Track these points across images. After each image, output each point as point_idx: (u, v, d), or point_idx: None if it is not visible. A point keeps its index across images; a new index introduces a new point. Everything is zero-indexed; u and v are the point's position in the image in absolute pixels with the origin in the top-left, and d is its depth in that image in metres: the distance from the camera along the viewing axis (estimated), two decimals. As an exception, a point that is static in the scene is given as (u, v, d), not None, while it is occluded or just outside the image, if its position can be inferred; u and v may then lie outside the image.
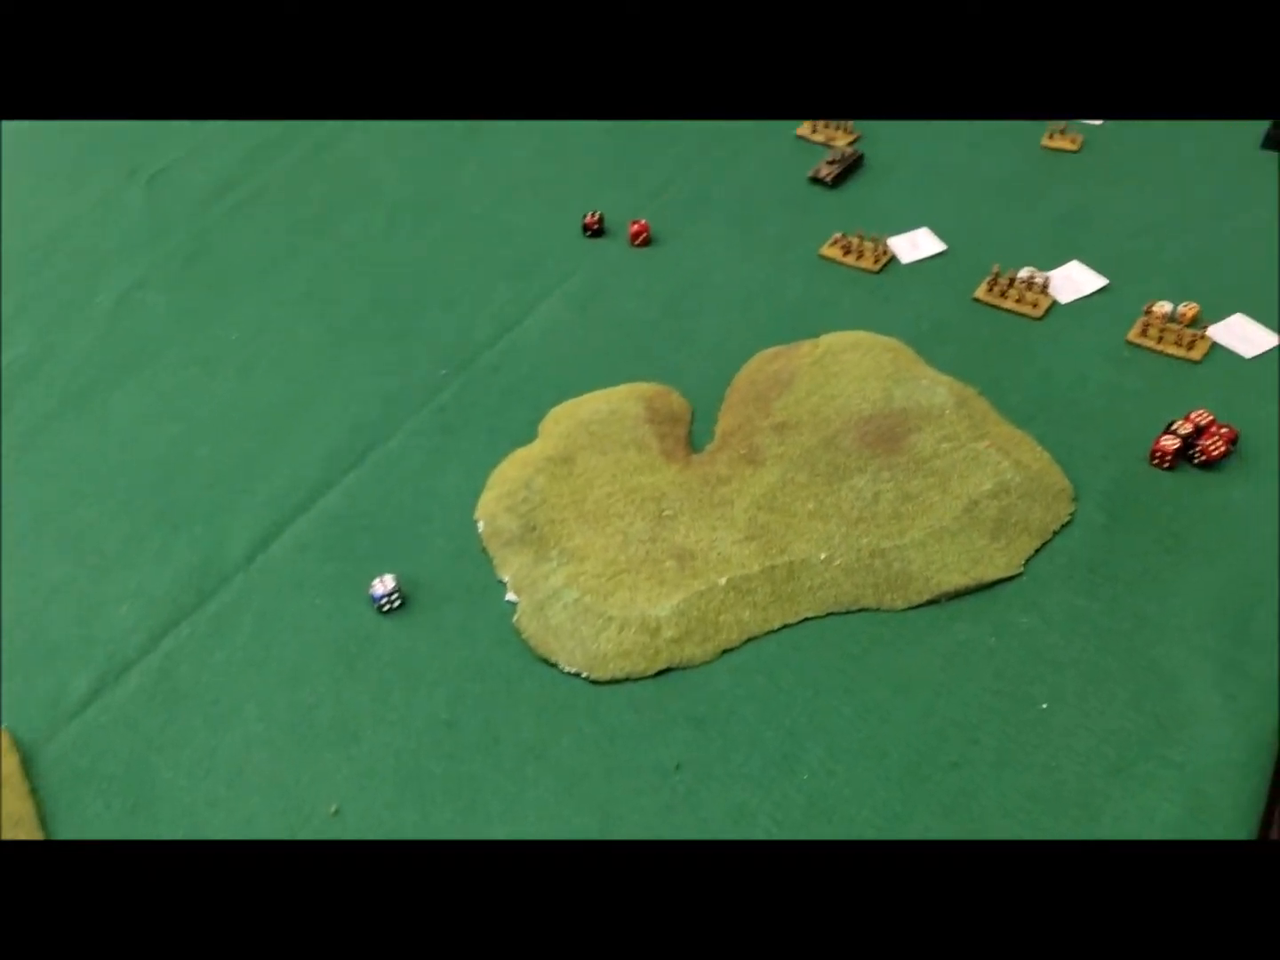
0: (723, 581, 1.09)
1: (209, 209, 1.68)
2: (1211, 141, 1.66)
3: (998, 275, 1.42)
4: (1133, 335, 1.34)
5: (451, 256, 1.57)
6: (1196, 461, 1.18)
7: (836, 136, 1.72)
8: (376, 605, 1.11)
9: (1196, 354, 1.30)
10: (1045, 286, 1.40)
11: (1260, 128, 1.64)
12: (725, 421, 1.30)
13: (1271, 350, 1.31)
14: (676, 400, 1.32)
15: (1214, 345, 1.32)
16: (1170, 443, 1.18)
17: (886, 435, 1.22)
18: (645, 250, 1.55)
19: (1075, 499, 1.17)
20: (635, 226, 1.56)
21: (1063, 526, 1.15)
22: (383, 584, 1.11)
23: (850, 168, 1.64)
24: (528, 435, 1.30)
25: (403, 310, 1.48)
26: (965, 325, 1.39)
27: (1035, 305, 1.39)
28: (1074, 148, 1.65)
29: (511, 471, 1.24)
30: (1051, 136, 1.67)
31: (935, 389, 1.26)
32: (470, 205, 1.66)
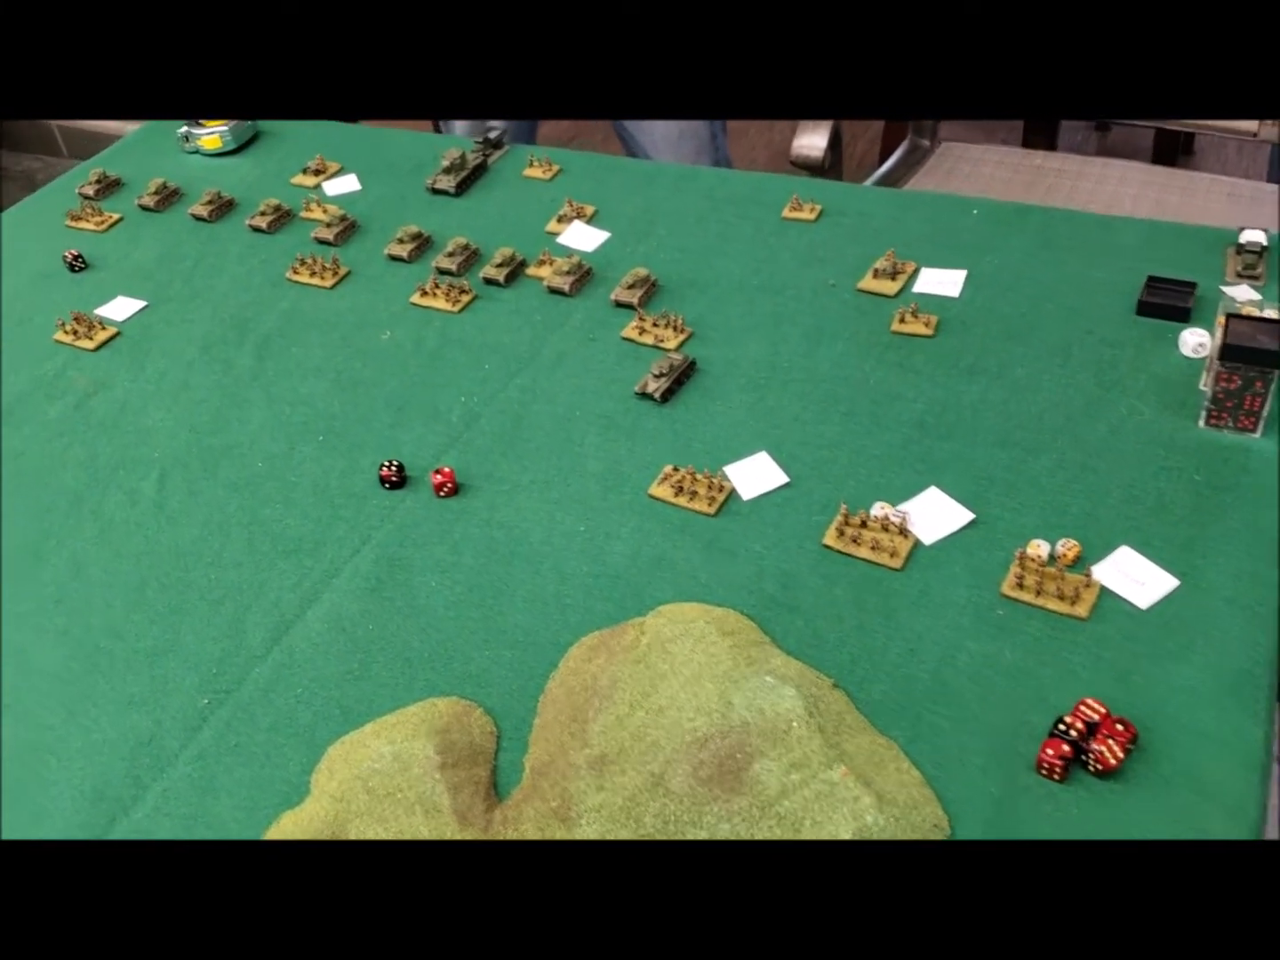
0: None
1: (-49, 492, 1.45)
2: (1082, 311, 1.48)
3: (847, 516, 1.22)
4: (1007, 588, 1.14)
5: (226, 530, 1.35)
6: (1092, 770, 0.98)
7: (666, 337, 1.52)
8: None
9: (1082, 609, 1.11)
10: (903, 526, 1.21)
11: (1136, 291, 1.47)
12: (536, 751, 1.08)
13: (1170, 594, 1.12)
14: (478, 724, 1.11)
15: (1103, 592, 1.13)
16: (1058, 752, 0.98)
17: (725, 767, 1.01)
18: (451, 504, 1.34)
19: (951, 835, 0.96)
20: (438, 477, 1.35)
21: (940, 878, 0.94)
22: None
23: (680, 378, 1.45)
24: (299, 791, 1.07)
25: (164, 614, 1.26)
26: (815, 582, 1.19)
27: (894, 553, 1.19)
28: (928, 331, 1.47)
29: (273, 856, 1.01)
30: (903, 319, 1.48)
31: (781, 690, 1.06)
32: (254, 458, 1.44)
